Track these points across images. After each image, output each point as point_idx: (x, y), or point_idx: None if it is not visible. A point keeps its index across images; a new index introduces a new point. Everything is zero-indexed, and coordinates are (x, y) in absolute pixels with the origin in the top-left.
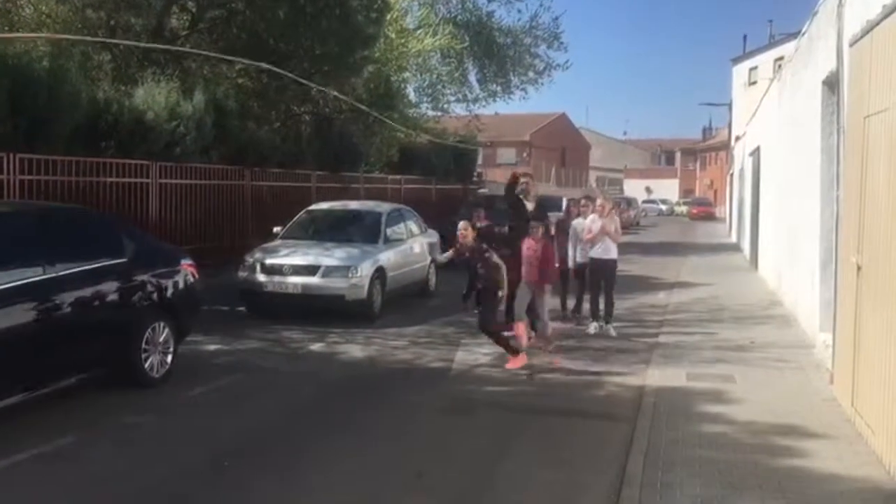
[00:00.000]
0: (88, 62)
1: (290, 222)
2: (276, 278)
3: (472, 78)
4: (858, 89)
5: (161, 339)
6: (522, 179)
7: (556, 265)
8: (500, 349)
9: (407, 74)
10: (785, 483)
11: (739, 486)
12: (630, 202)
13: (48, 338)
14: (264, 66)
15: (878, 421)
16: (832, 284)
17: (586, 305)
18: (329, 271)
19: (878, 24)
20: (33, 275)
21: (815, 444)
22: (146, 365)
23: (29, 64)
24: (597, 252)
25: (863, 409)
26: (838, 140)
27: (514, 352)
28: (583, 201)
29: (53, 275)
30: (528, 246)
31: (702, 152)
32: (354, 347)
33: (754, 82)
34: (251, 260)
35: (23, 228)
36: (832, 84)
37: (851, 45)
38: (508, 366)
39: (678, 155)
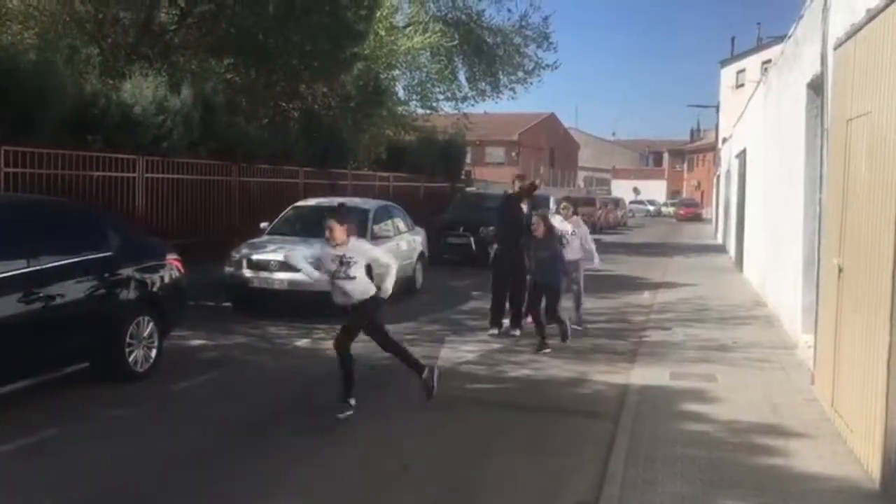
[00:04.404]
0: (76, 55)
1: (278, 218)
2: (263, 274)
3: (462, 76)
4: (841, 92)
5: (145, 334)
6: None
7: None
8: (486, 348)
9: (396, 72)
10: (764, 481)
11: (720, 483)
12: (617, 202)
13: (31, 331)
14: None
15: (858, 421)
16: (814, 286)
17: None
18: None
19: (861, 28)
20: (17, 267)
21: (796, 443)
22: (130, 359)
23: (15, 56)
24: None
25: (842, 409)
26: (822, 143)
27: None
28: (563, 203)
29: (37, 267)
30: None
31: (689, 154)
32: None
33: (742, 85)
34: (238, 255)
35: (7, 221)
36: (817, 87)
37: (835, 48)
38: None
39: (666, 156)
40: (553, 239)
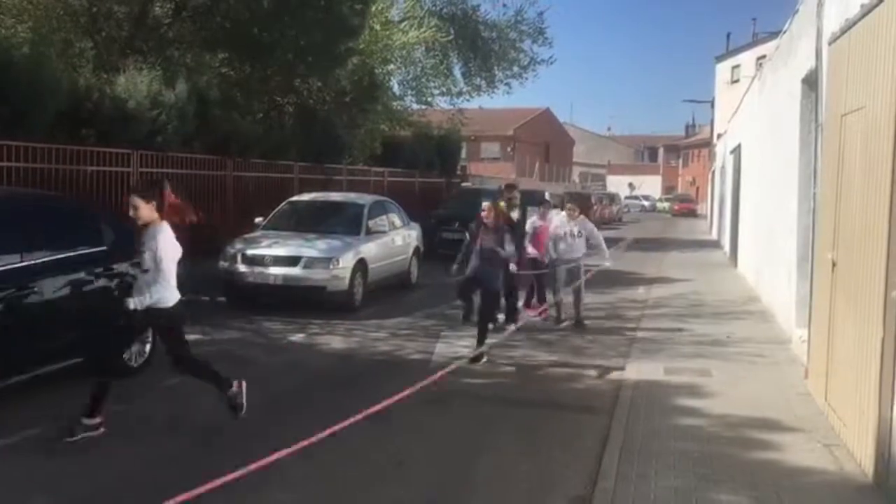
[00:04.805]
0: (70, 49)
1: (272, 213)
2: (258, 269)
3: (457, 71)
4: (836, 87)
5: None
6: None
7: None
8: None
9: (391, 67)
10: (758, 475)
11: (713, 478)
12: (613, 198)
13: (25, 326)
14: None
15: (850, 415)
16: (808, 280)
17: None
18: (310, 262)
19: (855, 23)
20: (10, 262)
21: (789, 437)
22: (124, 354)
23: (9, 50)
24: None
25: (836, 403)
26: (816, 138)
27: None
28: (568, 204)
29: (31, 262)
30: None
31: (684, 149)
32: (335, 339)
33: (737, 80)
34: (232, 250)
35: (1, 215)
36: (811, 82)
37: (830, 43)
38: None
39: (661, 151)
40: (502, 231)
